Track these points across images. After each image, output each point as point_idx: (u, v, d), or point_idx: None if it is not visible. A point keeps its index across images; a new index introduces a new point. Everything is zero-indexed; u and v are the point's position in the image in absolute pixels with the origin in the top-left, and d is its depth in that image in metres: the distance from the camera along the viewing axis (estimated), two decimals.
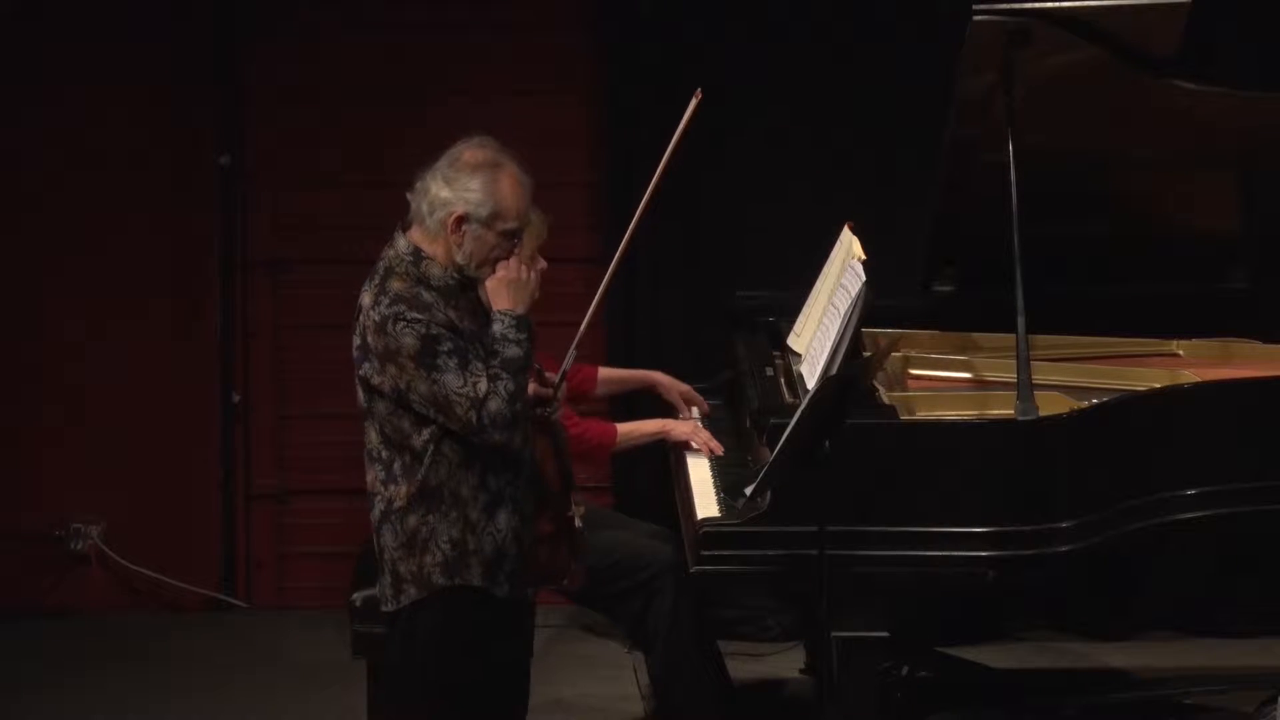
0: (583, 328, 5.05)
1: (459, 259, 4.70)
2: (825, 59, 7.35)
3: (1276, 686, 5.88)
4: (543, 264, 5.31)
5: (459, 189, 4.67)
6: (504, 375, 4.63)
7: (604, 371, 6.35)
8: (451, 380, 4.60)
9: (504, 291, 4.71)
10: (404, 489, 4.70)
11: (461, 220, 4.67)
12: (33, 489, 7.67)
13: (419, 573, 4.70)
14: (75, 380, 7.65)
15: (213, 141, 7.67)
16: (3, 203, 7.64)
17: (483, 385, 4.60)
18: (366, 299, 4.69)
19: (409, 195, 4.73)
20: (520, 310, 4.71)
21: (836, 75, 7.34)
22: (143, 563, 7.66)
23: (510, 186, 4.69)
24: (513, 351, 4.66)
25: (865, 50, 7.33)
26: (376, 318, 4.64)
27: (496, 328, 4.69)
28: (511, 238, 4.72)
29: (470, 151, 4.72)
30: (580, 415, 6.04)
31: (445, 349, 4.60)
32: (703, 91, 5.05)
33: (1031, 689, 6.66)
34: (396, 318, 4.61)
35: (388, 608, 4.78)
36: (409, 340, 4.60)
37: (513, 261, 4.72)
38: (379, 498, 4.75)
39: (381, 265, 4.73)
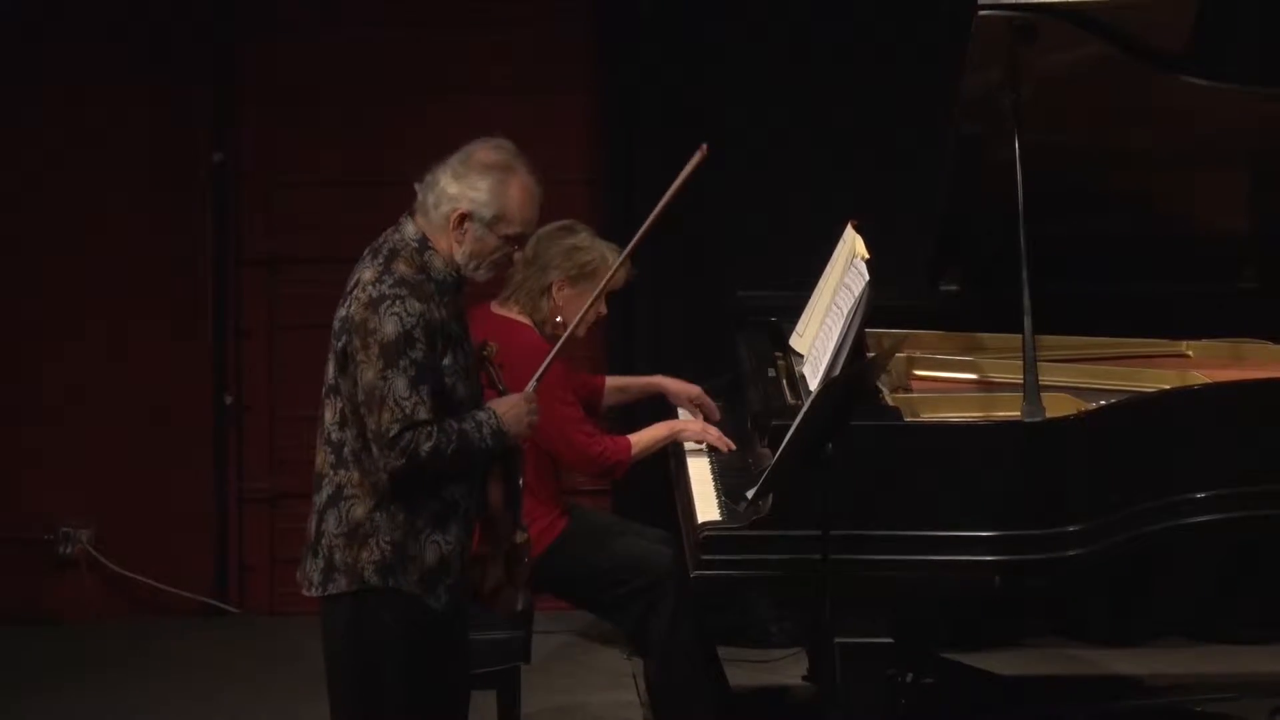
0: (564, 336, 5.07)
1: (459, 257, 4.68)
2: (825, 59, 7.32)
3: None
4: (603, 311, 5.30)
5: (466, 186, 4.65)
6: (454, 441, 4.58)
7: (610, 380, 6.31)
8: (400, 386, 4.54)
9: (513, 416, 4.69)
10: (355, 475, 4.63)
11: (465, 218, 4.66)
12: (22, 492, 7.62)
13: (353, 566, 4.62)
14: (66, 381, 7.60)
15: (208, 140, 7.63)
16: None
17: (423, 413, 4.54)
18: (368, 274, 4.63)
19: (417, 185, 4.71)
20: (509, 431, 4.67)
21: (836, 75, 7.30)
22: (134, 567, 7.62)
23: (518, 191, 4.68)
24: (478, 440, 4.62)
25: (865, 50, 7.30)
26: (374, 293, 4.58)
27: (485, 418, 4.64)
28: (512, 242, 4.71)
29: (485, 151, 4.71)
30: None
31: (416, 355, 4.55)
32: (708, 148, 5.02)
33: (1038, 696, 6.68)
34: (394, 299, 4.56)
35: (310, 592, 4.70)
36: (390, 327, 4.54)
37: (525, 400, 4.73)
38: (327, 480, 4.67)
39: (386, 245, 4.68)
